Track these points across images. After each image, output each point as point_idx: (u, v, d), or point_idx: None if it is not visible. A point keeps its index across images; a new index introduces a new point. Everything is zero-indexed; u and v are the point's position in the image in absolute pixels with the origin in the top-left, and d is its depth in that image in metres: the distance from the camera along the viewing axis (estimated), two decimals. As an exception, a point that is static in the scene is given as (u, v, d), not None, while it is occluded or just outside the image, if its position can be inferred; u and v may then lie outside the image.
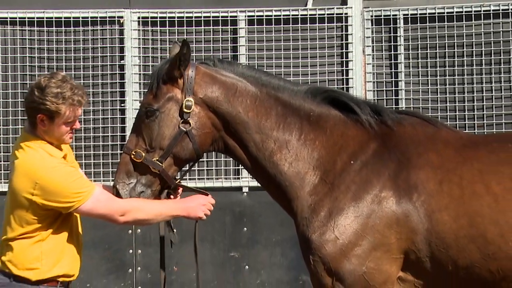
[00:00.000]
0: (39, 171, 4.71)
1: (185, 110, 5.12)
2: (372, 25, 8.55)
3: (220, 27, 8.61)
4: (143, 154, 5.09)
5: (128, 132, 8.29)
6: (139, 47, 8.66)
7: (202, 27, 8.61)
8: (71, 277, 4.89)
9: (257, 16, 8.60)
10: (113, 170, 8.18)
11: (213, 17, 8.60)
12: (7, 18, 8.62)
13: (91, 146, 8.82)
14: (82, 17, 8.59)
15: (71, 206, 4.67)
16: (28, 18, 8.62)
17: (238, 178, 8.67)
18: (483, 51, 8.51)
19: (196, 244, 5.27)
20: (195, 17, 8.60)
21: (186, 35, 8.51)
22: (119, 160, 5.30)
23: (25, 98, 4.83)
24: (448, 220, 5.00)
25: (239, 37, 8.66)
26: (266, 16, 8.57)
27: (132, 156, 5.10)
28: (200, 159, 5.43)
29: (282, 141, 5.31)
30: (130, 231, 8.64)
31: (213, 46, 8.66)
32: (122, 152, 5.46)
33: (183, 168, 5.38)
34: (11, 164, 4.73)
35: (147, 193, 5.13)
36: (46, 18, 8.58)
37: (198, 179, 8.64)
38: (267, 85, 5.37)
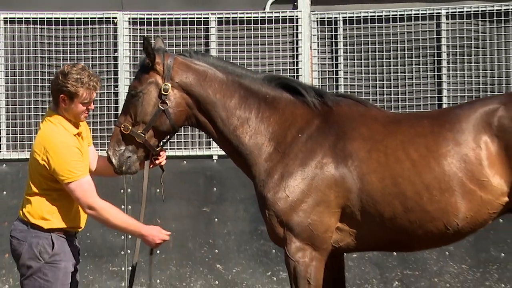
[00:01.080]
0: (51, 142, 5.05)
1: (163, 92, 5.42)
2: (317, 25, 8.74)
3: (195, 26, 8.77)
4: (130, 127, 5.42)
5: (119, 111, 8.27)
6: (130, 43, 8.77)
7: (181, 27, 8.75)
8: (78, 229, 5.27)
9: (225, 17, 8.76)
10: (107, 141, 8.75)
11: (189, 18, 8.73)
12: (16, 18, 8.69)
13: (90, 122, 8.68)
14: (84, 18, 8.70)
15: (61, 179, 4.98)
16: (39, 18, 8.70)
17: (209, 148, 8.84)
18: (406, 47, 8.70)
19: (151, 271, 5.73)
20: (175, 18, 8.73)
21: (168, 33, 8.67)
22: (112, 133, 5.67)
23: (51, 82, 5.19)
24: (376, 181, 5.33)
25: (210, 34, 8.80)
26: (232, 17, 8.75)
27: (122, 128, 5.43)
28: (177, 132, 5.77)
29: (243, 118, 5.59)
30: (122, 190, 8.71)
31: (189, 42, 8.75)
32: (114, 125, 5.77)
33: (164, 139, 5.56)
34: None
35: (133, 158, 5.47)
36: (54, 18, 8.68)
37: (177, 148, 8.76)
38: (232, 73, 5.65)
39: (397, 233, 5.45)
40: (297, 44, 8.81)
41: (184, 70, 5.58)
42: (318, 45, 8.83)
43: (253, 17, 8.75)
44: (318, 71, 8.80)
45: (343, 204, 5.41)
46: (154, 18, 8.74)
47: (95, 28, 8.83)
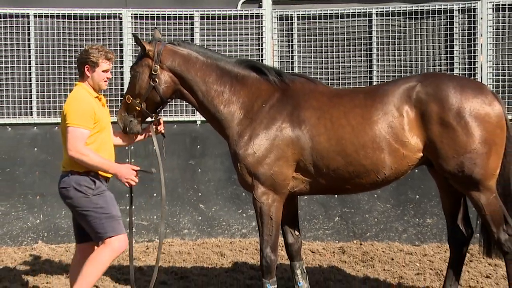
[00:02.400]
0: (72, 96, 5.46)
1: (153, 72, 5.84)
2: (277, 20, 9.04)
3: (183, 21, 9.03)
4: (131, 99, 5.91)
5: (125, 87, 7.99)
6: (200, 31, 9.03)
7: (172, 21, 9.00)
8: (108, 175, 5.56)
9: (206, 14, 9.04)
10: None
11: (178, 14, 9.00)
12: (43, 13, 8.91)
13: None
14: (96, 14, 8.93)
15: (66, 123, 5.32)
16: (56, 14, 8.91)
17: (194, 115, 9.03)
18: (345, 38, 8.96)
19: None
20: (167, 14, 8.98)
21: (162, 26, 8.85)
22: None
23: (77, 58, 5.57)
24: (323, 141, 5.73)
25: (195, 27, 9.06)
26: (211, 14, 9.02)
27: (126, 99, 5.93)
28: (168, 103, 6.14)
29: (219, 91, 5.94)
30: (126, 147, 8.37)
31: (178, 33, 8.99)
32: (122, 98, 6.20)
33: (157, 108, 5.99)
34: None
35: (134, 122, 5.94)
36: (73, 14, 8.91)
37: (169, 115, 8.95)
38: (211, 57, 6.02)
39: (339, 181, 5.84)
40: (261, 35, 8.99)
41: (171, 55, 5.91)
42: (278, 36, 9.06)
43: (228, 14, 9.00)
44: (278, 56, 9.04)
45: (298, 159, 5.79)
46: (151, 15, 8.93)
47: (105, 21, 8.96)
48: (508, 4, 8.56)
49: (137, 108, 5.95)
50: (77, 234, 5.78)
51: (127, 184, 5.52)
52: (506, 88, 8.60)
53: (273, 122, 5.82)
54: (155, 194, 8.92)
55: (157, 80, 5.92)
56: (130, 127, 5.99)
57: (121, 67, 9.01)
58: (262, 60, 9.03)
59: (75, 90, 5.52)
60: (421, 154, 5.72)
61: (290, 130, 5.79)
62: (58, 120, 8.53)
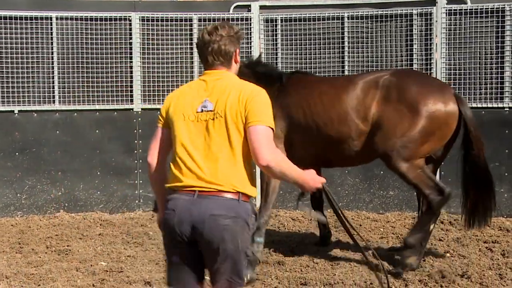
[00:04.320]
0: (258, 89, 3.51)
1: None
2: (264, 23, 8.96)
3: (183, 22, 8.87)
4: None
5: (134, 82, 8.76)
6: (140, 33, 8.84)
7: (174, 23, 8.83)
8: None
9: (203, 17, 8.86)
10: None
11: (179, 17, 8.85)
12: (64, 16, 8.70)
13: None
14: (109, 16, 8.79)
15: (256, 122, 3.37)
16: (75, 16, 8.72)
17: None
18: (321, 39, 8.83)
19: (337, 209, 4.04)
20: (170, 17, 8.83)
21: (165, 28, 8.81)
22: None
23: (224, 43, 3.43)
24: (301, 117, 6.07)
25: (193, 28, 8.85)
26: (208, 17, 8.85)
27: None
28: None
29: None
30: (135, 131, 8.81)
31: (179, 33, 8.85)
32: None
33: None
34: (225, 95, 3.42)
35: None
36: (90, 16, 8.74)
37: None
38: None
39: (316, 151, 6.10)
40: (250, 35, 8.89)
41: None
42: (265, 36, 9.01)
43: (222, 17, 8.86)
44: (265, 53, 8.93)
45: (285, 133, 6.08)
46: (156, 17, 8.80)
47: (116, 23, 8.85)
48: (459, 10, 8.57)
49: None
50: (186, 276, 3.47)
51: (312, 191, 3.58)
52: (457, 81, 8.59)
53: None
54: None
55: None
56: None
57: (131, 65, 8.93)
58: (250, 57, 8.75)
59: (245, 82, 3.53)
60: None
61: (281, 112, 6.06)
62: (77, 107, 8.76)
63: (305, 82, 6.34)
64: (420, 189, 5.84)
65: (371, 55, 8.76)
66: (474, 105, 8.39)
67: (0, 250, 6.91)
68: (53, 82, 8.73)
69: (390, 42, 8.72)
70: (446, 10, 8.61)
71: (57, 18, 8.70)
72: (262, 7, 9.02)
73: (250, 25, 9.00)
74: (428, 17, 8.62)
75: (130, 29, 8.86)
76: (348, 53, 8.84)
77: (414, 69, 8.60)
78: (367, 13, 8.78)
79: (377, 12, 8.76)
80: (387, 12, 8.72)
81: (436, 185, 5.82)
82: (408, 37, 8.67)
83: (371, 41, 8.78)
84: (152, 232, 7.65)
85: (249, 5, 8.98)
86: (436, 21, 8.61)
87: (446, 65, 8.61)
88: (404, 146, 5.71)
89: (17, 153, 8.69)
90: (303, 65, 8.90)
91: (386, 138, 5.76)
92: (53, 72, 8.70)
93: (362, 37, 8.79)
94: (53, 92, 8.77)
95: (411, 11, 8.66)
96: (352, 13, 8.82)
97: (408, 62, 8.72)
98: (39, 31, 8.65)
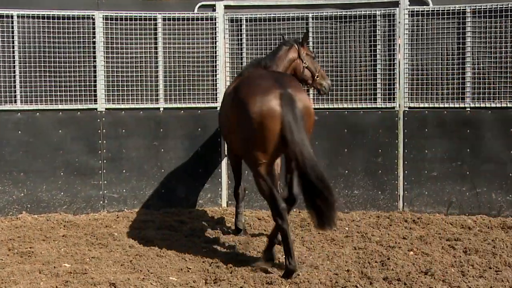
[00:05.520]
0: None
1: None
2: (229, 22, 8.91)
3: (148, 22, 8.68)
4: None
5: (98, 82, 8.62)
6: (104, 32, 8.62)
7: (138, 22, 8.70)
8: None
9: (167, 16, 8.80)
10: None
11: (143, 16, 8.68)
12: (25, 14, 8.52)
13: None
14: (72, 15, 8.55)
15: None
16: (37, 14, 8.50)
17: (158, 102, 8.81)
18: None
19: None
20: (134, 16, 8.70)
21: (129, 27, 8.65)
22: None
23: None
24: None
25: (158, 27, 8.78)
26: (172, 16, 8.81)
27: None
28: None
29: None
30: (99, 131, 8.75)
31: (144, 33, 8.75)
32: None
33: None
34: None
35: None
36: (52, 15, 8.49)
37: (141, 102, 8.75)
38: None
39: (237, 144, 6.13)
40: (215, 35, 8.88)
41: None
42: (229, 35, 8.96)
43: (186, 16, 8.84)
44: (230, 53, 8.94)
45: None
46: (120, 16, 8.66)
47: (80, 22, 8.67)
48: (421, 11, 8.66)
49: None
50: None
51: None
52: (420, 82, 8.70)
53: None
54: (124, 171, 8.88)
55: None
56: None
57: (95, 64, 8.83)
58: (215, 56, 8.99)
59: None
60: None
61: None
62: (39, 107, 8.60)
63: (255, 73, 6.48)
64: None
65: (335, 55, 8.82)
66: (436, 105, 8.56)
67: (-43, 252, 6.74)
68: (14, 82, 8.59)
69: (354, 43, 8.78)
70: (409, 11, 8.72)
71: (18, 16, 8.55)
72: (226, 7, 9.02)
73: (215, 24, 8.99)
74: (391, 18, 8.70)
75: (94, 28, 8.76)
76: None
77: (378, 68, 8.75)
78: (331, 13, 8.83)
79: (341, 13, 8.82)
80: (351, 13, 8.79)
81: (274, 197, 5.74)
82: (372, 38, 8.77)
83: (335, 41, 8.83)
84: (117, 233, 7.60)
85: (214, 5, 8.96)
86: (399, 22, 8.72)
87: (409, 65, 8.73)
88: (243, 154, 5.94)
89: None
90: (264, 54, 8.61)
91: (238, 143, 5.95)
92: (14, 71, 8.56)
93: (326, 37, 8.84)
94: (15, 92, 8.62)
95: (375, 12, 8.75)
96: (317, 14, 8.85)
97: (372, 63, 8.84)
98: (0, 29, 8.50)
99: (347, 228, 7.80)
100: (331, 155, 8.86)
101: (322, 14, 8.85)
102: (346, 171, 8.81)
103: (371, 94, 8.75)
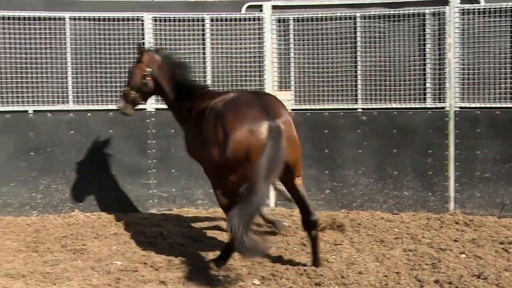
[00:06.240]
0: None
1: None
2: (276, 22, 8.89)
3: (195, 23, 8.82)
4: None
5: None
6: (153, 33, 8.72)
7: (186, 23, 8.78)
8: None
9: (215, 17, 8.84)
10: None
11: (191, 17, 8.78)
12: (77, 16, 8.65)
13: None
14: (122, 16, 8.68)
15: None
16: (89, 16, 8.68)
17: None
18: (333, 38, 8.67)
19: None
20: (182, 17, 8.75)
21: (177, 28, 8.73)
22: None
23: None
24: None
25: (205, 28, 8.84)
26: (221, 17, 8.82)
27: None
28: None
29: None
30: (148, 131, 8.90)
31: (192, 34, 8.84)
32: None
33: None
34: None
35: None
36: (103, 16, 8.67)
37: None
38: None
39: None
40: (262, 35, 8.89)
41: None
42: (277, 35, 8.95)
43: (234, 17, 8.89)
44: (277, 53, 8.90)
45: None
46: (168, 17, 8.73)
47: (129, 24, 8.78)
48: (472, 9, 8.51)
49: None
50: None
51: None
52: (471, 81, 8.55)
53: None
54: (173, 170, 8.98)
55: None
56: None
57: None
58: (262, 57, 8.97)
59: None
60: None
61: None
62: (90, 107, 8.76)
63: (208, 95, 6.54)
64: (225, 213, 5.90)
65: (384, 55, 8.71)
66: (488, 105, 8.41)
67: (16, 249, 6.93)
68: (66, 82, 8.72)
69: (403, 42, 8.65)
70: (459, 10, 8.57)
71: (70, 19, 8.69)
72: (274, 7, 8.98)
73: (262, 25, 8.96)
74: (441, 16, 8.56)
75: (143, 29, 8.83)
76: (361, 53, 8.79)
77: (427, 68, 8.63)
78: (380, 12, 8.72)
79: (389, 12, 8.70)
80: (399, 12, 8.66)
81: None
82: (421, 37, 8.61)
83: (383, 41, 8.71)
84: (166, 232, 7.67)
85: (261, 5, 8.94)
86: (449, 20, 8.58)
87: (459, 65, 8.58)
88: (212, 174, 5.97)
89: (31, 153, 8.71)
90: (315, 65, 8.87)
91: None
92: (66, 72, 8.69)
93: (374, 37, 8.73)
94: (67, 92, 8.76)
95: (424, 10, 8.60)
96: (365, 13, 8.75)
97: (421, 62, 8.70)
98: (53, 31, 8.66)
99: (396, 230, 7.72)
100: (380, 156, 8.78)
101: (370, 13, 8.75)
102: (395, 172, 8.72)
103: (420, 94, 8.62)
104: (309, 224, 5.95)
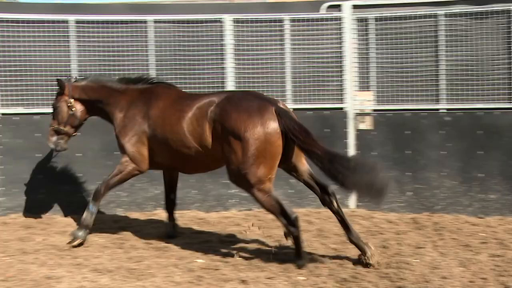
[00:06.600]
0: None
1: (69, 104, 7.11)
2: (356, 22, 8.85)
3: (272, 24, 8.88)
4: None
5: (228, 85, 9.42)
6: (233, 35, 8.88)
7: (264, 24, 8.89)
8: None
9: (295, 18, 8.84)
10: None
11: (269, 19, 8.83)
12: (160, 19, 8.86)
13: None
14: (202, 19, 8.86)
15: None
16: (171, 19, 8.91)
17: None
18: (413, 38, 8.65)
19: None
20: (262, 18, 8.88)
21: (256, 29, 8.81)
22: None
23: None
24: (159, 132, 6.62)
25: (285, 29, 8.88)
26: (301, 17, 8.81)
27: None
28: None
29: (110, 102, 7.13)
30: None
31: (272, 35, 8.94)
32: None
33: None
34: None
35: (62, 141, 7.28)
36: (183, 19, 8.85)
37: None
38: (98, 81, 7.31)
39: (172, 160, 6.64)
40: (341, 35, 8.83)
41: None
42: (357, 35, 8.90)
43: (313, 17, 8.91)
44: (358, 53, 8.85)
45: (149, 143, 6.73)
46: (248, 19, 8.89)
47: (208, 25, 8.93)
48: None
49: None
50: None
51: None
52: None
53: (134, 119, 6.80)
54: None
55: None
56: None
57: (222, 66, 8.98)
58: (342, 57, 8.93)
59: None
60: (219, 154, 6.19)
61: (142, 124, 6.73)
62: None
63: (166, 97, 6.79)
64: (275, 216, 6.09)
65: (468, 54, 8.54)
66: None
67: (103, 245, 7.15)
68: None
69: (488, 40, 8.45)
70: (550, 6, 8.25)
71: (155, 21, 8.91)
72: (355, 6, 8.92)
73: (342, 25, 8.92)
74: (530, 12, 8.27)
75: (222, 31, 8.92)
76: (444, 51, 8.65)
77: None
78: (463, 10, 8.54)
79: (474, 9, 8.53)
80: (484, 9, 8.48)
81: (283, 210, 5.97)
82: (507, 35, 8.38)
83: (467, 39, 8.54)
84: (247, 232, 7.72)
85: (340, 5, 8.90)
86: (538, 17, 8.24)
87: (548, 62, 8.24)
88: (244, 173, 5.94)
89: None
90: (396, 64, 8.76)
91: (228, 166, 6.09)
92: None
93: (458, 35, 8.57)
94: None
95: (510, 7, 8.35)
96: (448, 11, 8.60)
97: (508, 61, 8.45)
98: (135, 33, 8.89)
99: (483, 234, 7.48)
100: (465, 158, 8.58)
101: (453, 11, 8.58)
102: (482, 175, 8.51)
103: (508, 94, 8.38)
104: (330, 196, 6.27)
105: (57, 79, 7.16)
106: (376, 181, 5.60)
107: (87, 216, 6.88)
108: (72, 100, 7.12)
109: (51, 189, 8.83)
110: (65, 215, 8.66)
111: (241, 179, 6.00)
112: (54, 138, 7.22)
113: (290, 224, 5.99)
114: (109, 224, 8.22)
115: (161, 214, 8.69)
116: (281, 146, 5.96)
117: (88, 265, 6.31)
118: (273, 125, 5.93)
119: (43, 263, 6.40)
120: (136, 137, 6.76)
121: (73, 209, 8.58)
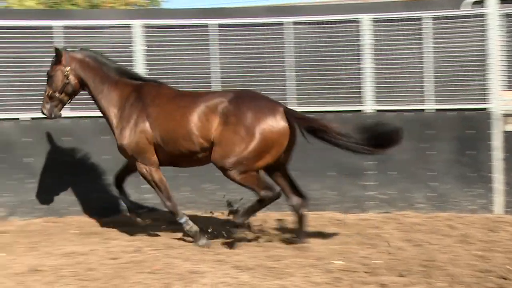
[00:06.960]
0: None
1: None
2: (505, 17, 8.40)
3: (409, 22, 8.71)
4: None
5: (364, 85, 9.15)
6: (372, 35, 8.88)
7: (403, 23, 8.70)
8: None
9: (436, 15, 8.63)
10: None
11: (404, 17, 8.71)
12: (298, 21, 8.88)
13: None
14: (338, 19, 8.81)
15: None
16: (309, 21, 8.89)
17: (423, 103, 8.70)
18: None
19: None
20: (401, 17, 8.70)
21: (395, 28, 8.71)
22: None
23: None
24: (161, 129, 6.82)
25: (423, 27, 8.67)
26: (441, 15, 8.61)
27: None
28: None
29: (101, 89, 7.22)
30: None
31: (411, 34, 8.73)
32: None
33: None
34: None
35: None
36: (320, 20, 8.88)
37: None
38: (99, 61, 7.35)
39: (175, 157, 6.85)
40: (486, 32, 8.50)
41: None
42: (505, 32, 8.57)
43: (455, 14, 8.67)
44: (506, 50, 8.54)
45: (151, 141, 6.86)
46: (387, 18, 8.74)
47: (343, 26, 8.84)
48: None
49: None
50: None
51: None
52: None
53: (131, 115, 6.94)
54: (391, 172, 8.95)
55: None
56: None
57: (359, 66, 8.89)
58: (486, 55, 8.60)
59: None
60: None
61: (142, 121, 6.89)
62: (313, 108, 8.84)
63: (165, 95, 7.00)
64: (255, 191, 6.60)
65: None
66: None
67: (243, 243, 7.27)
68: (285, 85, 8.96)
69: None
70: None
71: (294, 23, 8.96)
72: (501, 1, 8.54)
73: (486, 21, 8.59)
74: None
75: (359, 31, 8.83)
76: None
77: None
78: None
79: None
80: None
81: (268, 186, 6.59)
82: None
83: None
84: (385, 235, 7.60)
85: (482, 1, 8.65)
86: None
87: None
88: (240, 163, 6.48)
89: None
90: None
91: (225, 155, 6.50)
92: (284, 75, 8.90)
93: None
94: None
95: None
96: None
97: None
98: (271, 36, 8.96)
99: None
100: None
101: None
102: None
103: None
104: (303, 203, 6.91)
105: (55, 48, 7.22)
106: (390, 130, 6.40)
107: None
108: (68, 69, 7.15)
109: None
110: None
111: (234, 167, 6.54)
112: (48, 106, 7.24)
113: (272, 196, 6.65)
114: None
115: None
116: (284, 147, 6.56)
117: (229, 262, 6.46)
118: (284, 126, 6.51)
119: (187, 258, 6.66)
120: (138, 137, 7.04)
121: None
